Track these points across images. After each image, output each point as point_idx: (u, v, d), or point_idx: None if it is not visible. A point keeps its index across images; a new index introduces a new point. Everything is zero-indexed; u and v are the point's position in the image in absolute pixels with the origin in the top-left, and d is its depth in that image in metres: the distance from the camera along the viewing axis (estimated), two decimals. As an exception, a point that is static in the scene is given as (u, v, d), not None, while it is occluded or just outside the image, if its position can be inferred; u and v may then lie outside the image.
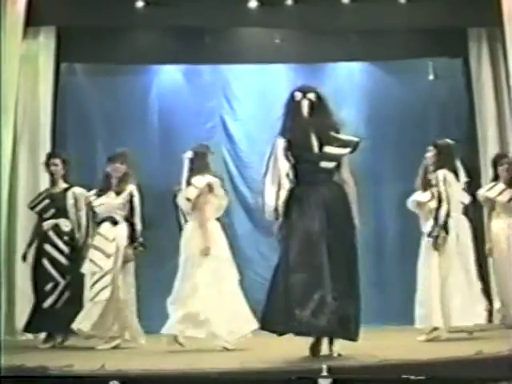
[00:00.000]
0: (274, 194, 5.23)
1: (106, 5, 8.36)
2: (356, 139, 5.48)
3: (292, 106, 5.46)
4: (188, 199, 6.74)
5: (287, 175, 5.25)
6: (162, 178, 9.10)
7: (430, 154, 7.13)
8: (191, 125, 9.42)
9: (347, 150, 5.40)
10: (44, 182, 8.25)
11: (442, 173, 6.91)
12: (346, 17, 8.56)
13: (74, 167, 7.71)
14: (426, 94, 9.35)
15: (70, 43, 8.64)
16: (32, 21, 8.16)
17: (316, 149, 5.34)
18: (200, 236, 6.65)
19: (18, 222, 8.23)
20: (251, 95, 9.61)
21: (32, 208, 7.58)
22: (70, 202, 7.42)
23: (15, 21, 7.96)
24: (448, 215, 6.83)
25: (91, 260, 7.00)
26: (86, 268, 7.02)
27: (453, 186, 6.94)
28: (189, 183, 6.75)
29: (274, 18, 8.63)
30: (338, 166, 5.42)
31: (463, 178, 7.06)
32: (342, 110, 9.47)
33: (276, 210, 5.25)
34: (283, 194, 5.24)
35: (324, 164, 5.37)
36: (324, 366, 4.60)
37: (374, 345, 5.82)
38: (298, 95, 5.45)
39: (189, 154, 6.81)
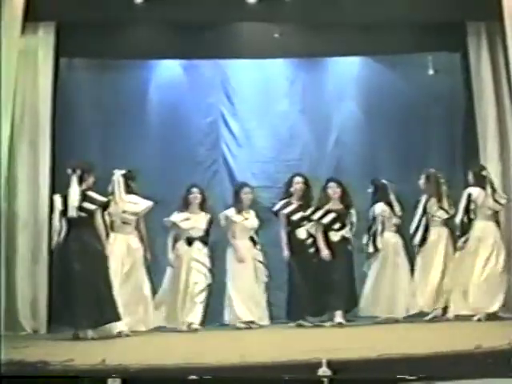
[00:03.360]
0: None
1: (105, 0, 8.36)
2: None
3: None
4: None
5: None
6: (162, 173, 9.11)
7: None
8: (191, 120, 9.42)
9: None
10: (44, 177, 8.27)
11: None
12: (345, 11, 8.53)
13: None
14: (426, 88, 9.34)
15: (69, 38, 8.62)
16: (31, 16, 8.14)
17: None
18: None
19: (18, 217, 8.23)
20: (251, 90, 9.60)
21: None
22: None
23: (14, 16, 7.93)
24: None
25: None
26: None
27: None
28: None
29: (273, 13, 8.59)
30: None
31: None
32: (342, 104, 9.56)
33: None
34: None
35: None
36: (324, 360, 4.62)
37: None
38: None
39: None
